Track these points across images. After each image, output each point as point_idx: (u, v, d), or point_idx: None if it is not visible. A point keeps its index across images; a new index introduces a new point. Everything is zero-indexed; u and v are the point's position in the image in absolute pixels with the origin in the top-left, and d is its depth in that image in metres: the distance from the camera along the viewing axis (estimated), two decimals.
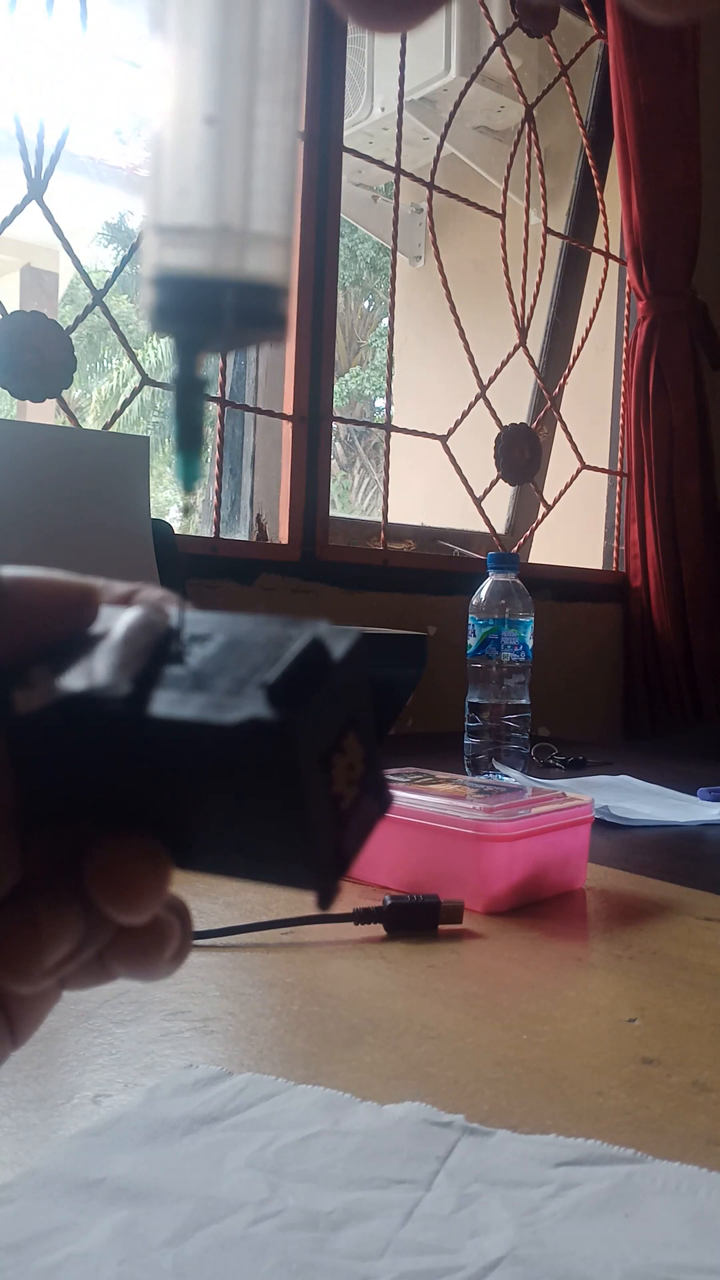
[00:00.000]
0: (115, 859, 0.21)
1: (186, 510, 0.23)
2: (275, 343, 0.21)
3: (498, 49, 1.87)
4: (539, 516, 1.98)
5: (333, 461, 1.72)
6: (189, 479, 0.22)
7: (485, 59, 1.89)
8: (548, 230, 1.97)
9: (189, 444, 0.22)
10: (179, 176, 0.20)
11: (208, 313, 0.20)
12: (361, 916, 0.59)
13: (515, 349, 1.91)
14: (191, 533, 1.51)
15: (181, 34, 0.20)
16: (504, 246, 1.85)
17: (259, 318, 0.21)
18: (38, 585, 0.21)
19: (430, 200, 1.79)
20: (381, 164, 1.77)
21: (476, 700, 1.13)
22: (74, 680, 0.20)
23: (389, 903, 0.60)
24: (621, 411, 2.15)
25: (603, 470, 2.12)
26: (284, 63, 0.21)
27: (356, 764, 0.21)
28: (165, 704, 0.20)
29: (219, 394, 1.53)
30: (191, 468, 0.22)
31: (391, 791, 0.23)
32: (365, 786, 0.21)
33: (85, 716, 0.20)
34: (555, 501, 1.97)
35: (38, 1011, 0.24)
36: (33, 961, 0.21)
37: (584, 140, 2.08)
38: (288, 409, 1.60)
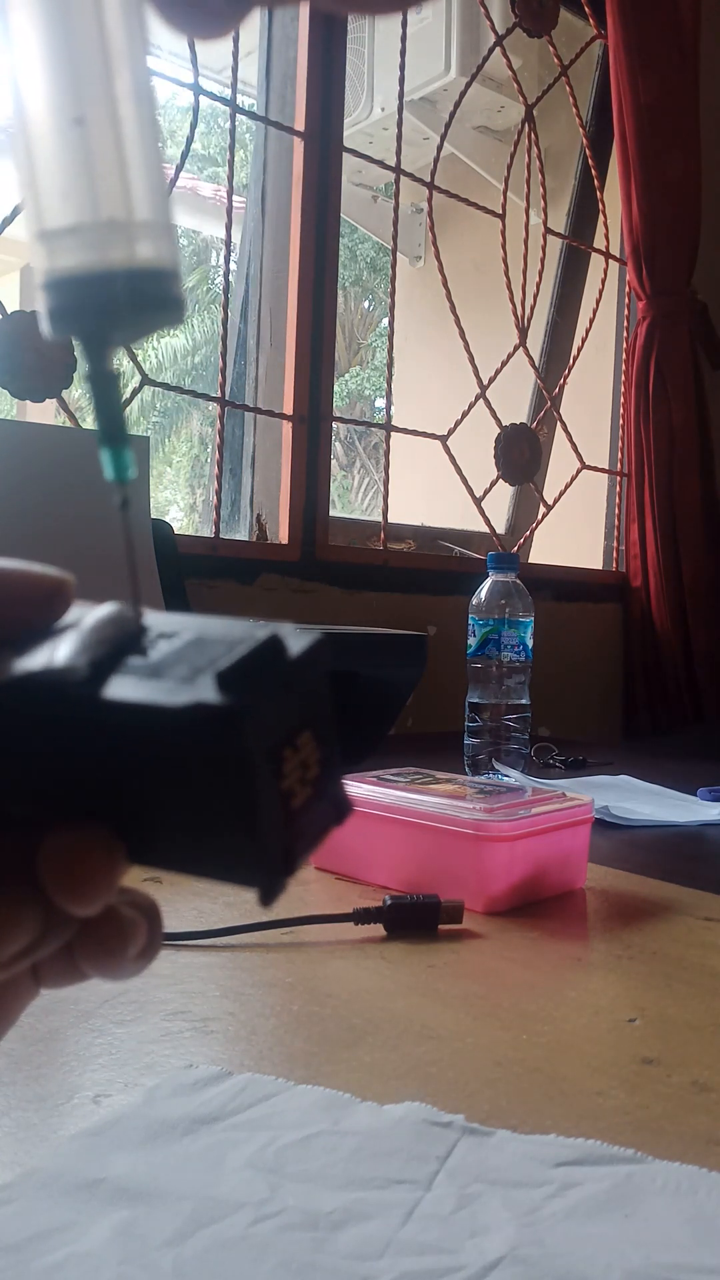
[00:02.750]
0: (66, 847, 0.21)
1: (123, 504, 0.23)
2: (174, 325, 0.22)
3: (498, 49, 1.87)
4: (539, 516, 1.98)
5: (333, 461, 1.72)
6: (120, 472, 0.22)
7: (485, 59, 1.89)
8: (548, 230, 1.97)
9: (113, 438, 0.22)
10: (56, 180, 0.21)
11: (105, 307, 0.21)
12: (361, 916, 0.59)
13: (515, 349, 1.91)
14: (191, 533, 1.51)
15: (28, 39, 0.21)
16: (504, 246, 1.85)
17: (155, 303, 0.21)
18: (9, 575, 0.22)
19: (430, 200, 1.79)
20: (381, 164, 1.77)
21: (476, 700, 1.13)
22: (33, 663, 0.20)
23: (389, 903, 0.60)
24: (621, 411, 2.15)
25: (603, 470, 2.12)
26: (138, 66, 0.21)
27: (311, 764, 0.21)
28: (118, 688, 0.20)
29: (219, 394, 1.53)
30: (120, 460, 0.22)
31: (351, 802, 0.23)
32: (320, 790, 0.21)
33: (42, 699, 0.20)
34: (555, 501, 1.97)
35: (11, 1008, 0.24)
36: None
37: (584, 140, 2.08)
38: (288, 409, 1.60)
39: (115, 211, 0.21)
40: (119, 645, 0.21)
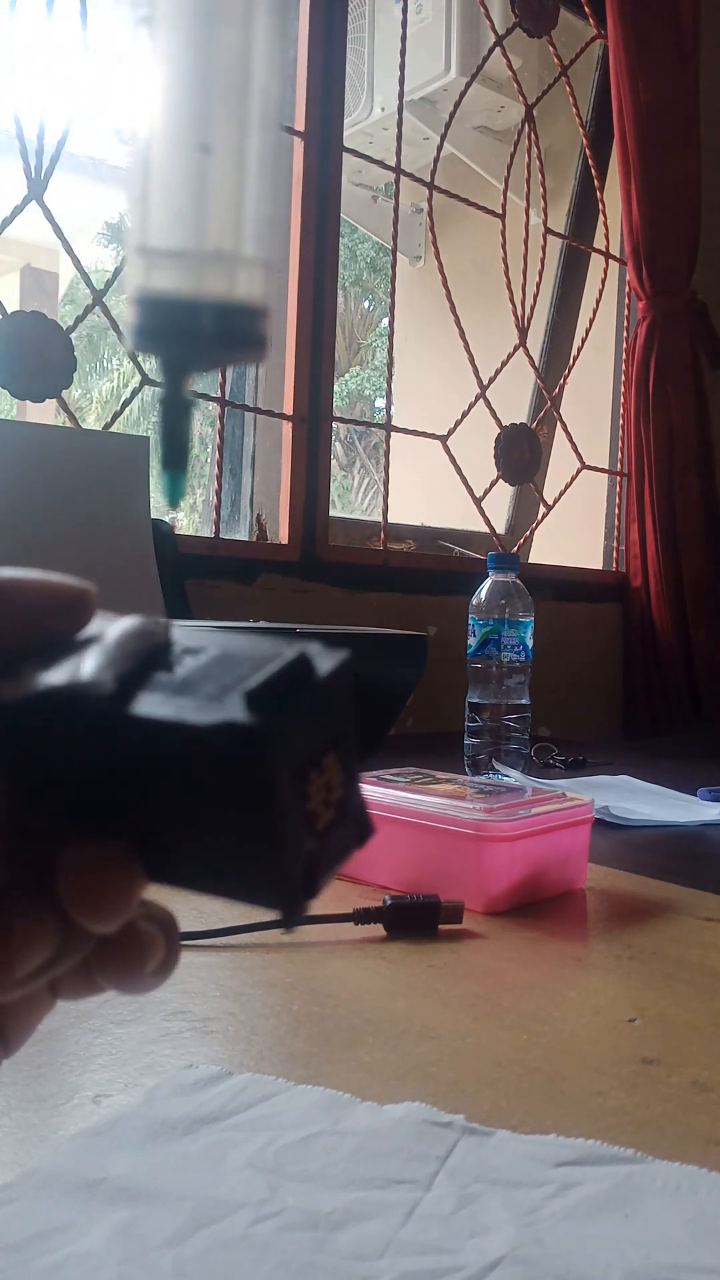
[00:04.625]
0: (86, 865, 0.20)
1: (169, 526, 0.23)
2: (255, 362, 0.22)
3: (498, 49, 1.87)
4: (539, 516, 1.98)
5: (333, 461, 1.72)
6: (174, 495, 0.22)
7: (485, 59, 1.89)
8: (548, 230, 1.97)
9: (176, 463, 0.22)
10: (169, 201, 0.21)
11: (194, 335, 0.21)
12: (361, 916, 0.59)
13: (515, 349, 1.91)
14: (191, 533, 1.51)
15: (169, 56, 0.20)
16: (504, 246, 1.85)
17: (242, 339, 0.21)
18: (33, 586, 0.21)
19: (430, 200, 1.79)
20: (381, 164, 1.77)
21: (476, 700, 1.13)
22: (59, 676, 0.20)
23: (389, 903, 0.60)
24: (621, 411, 2.15)
25: (603, 470, 2.12)
26: (272, 85, 0.21)
27: (334, 786, 0.21)
28: (146, 704, 0.19)
29: (219, 394, 1.53)
30: (177, 485, 0.22)
31: (373, 823, 0.22)
32: (343, 812, 0.21)
33: (67, 713, 0.20)
34: (555, 501, 1.97)
35: (29, 1020, 0.23)
36: (4, 971, 0.21)
37: (584, 140, 2.08)
38: (288, 409, 1.60)
39: (223, 243, 0.21)
40: (145, 660, 0.20)
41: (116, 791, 0.21)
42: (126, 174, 0.21)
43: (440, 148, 1.84)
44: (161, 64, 0.20)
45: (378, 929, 0.60)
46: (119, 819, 0.21)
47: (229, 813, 0.20)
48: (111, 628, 0.21)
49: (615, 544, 2.16)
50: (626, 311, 2.16)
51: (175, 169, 0.20)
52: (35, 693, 0.20)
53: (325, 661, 0.21)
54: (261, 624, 1.17)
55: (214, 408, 1.53)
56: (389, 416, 1.78)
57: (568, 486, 1.98)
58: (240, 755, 0.19)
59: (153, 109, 0.20)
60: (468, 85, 1.92)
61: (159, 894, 0.22)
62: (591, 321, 2.04)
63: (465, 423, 1.81)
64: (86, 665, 0.20)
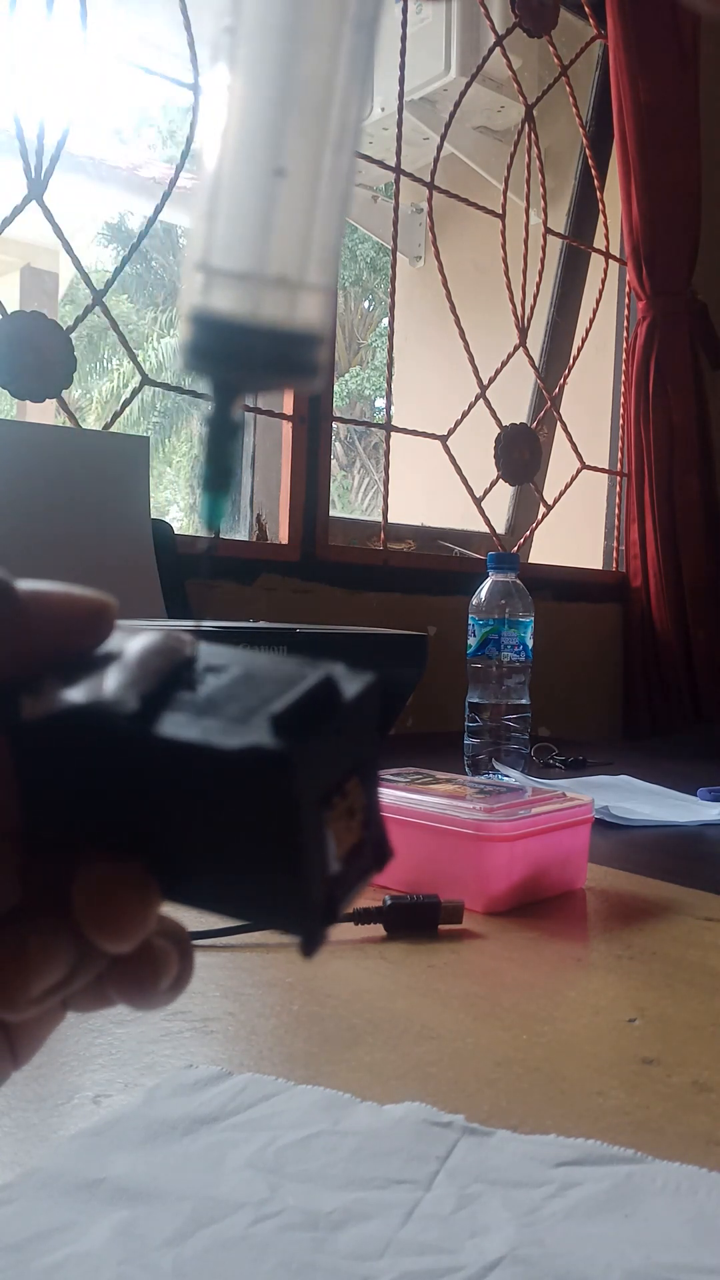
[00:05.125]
0: (102, 884, 0.20)
1: (210, 548, 0.22)
2: (306, 390, 0.22)
3: (498, 49, 1.87)
4: (539, 516, 1.98)
5: (333, 461, 1.72)
6: (214, 518, 0.22)
7: (485, 59, 1.89)
8: (548, 230, 1.97)
9: (219, 485, 0.22)
10: (236, 221, 0.20)
11: (248, 358, 0.20)
12: (361, 916, 0.59)
13: (515, 349, 1.91)
14: (191, 533, 1.51)
15: (249, 73, 0.20)
16: (504, 246, 1.85)
17: (295, 366, 0.21)
18: (55, 599, 0.21)
19: (430, 200, 1.79)
20: (381, 164, 1.77)
21: (476, 700, 1.13)
22: (82, 694, 0.20)
23: (389, 903, 0.60)
24: (621, 411, 2.15)
25: (603, 470, 2.12)
26: (352, 110, 0.20)
27: (357, 810, 0.21)
28: (170, 725, 0.19)
29: None
30: (218, 508, 0.22)
31: (391, 847, 0.22)
32: (364, 837, 0.21)
33: (89, 731, 0.20)
34: (555, 501, 1.97)
35: (39, 1033, 0.23)
36: (20, 990, 0.20)
37: (584, 140, 2.08)
38: (288, 409, 1.60)
39: (287, 269, 0.20)
40: (168, 678, 0.20)
41: (136, 811, 0.20)
42: (193, 189, 0.20)
43: (440, 148, 1.84)
44: (241, 79, 0.20)
45: (378, 929, 0.60)
46: (137, 839, 0.21)
47: (250, 836, 0.19)
48: (132, 643, 0.21)
49: (615, 544, 2.16)
50: (626, 311, 2.16)
51: (247, 189, 0.20)
52: (57, 710, 0.20)
53: (350, 684, 0.20)
54: (262, 624, 1.18)
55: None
56: (389, 416, 1.78)
57: (568, 486, 1.98)
58: (265, 780, 0.19)
59: (229, 125, 0.20)
60: (468, 85, 1.92)
61: (171, 908, 0.22)
62: (591, 321, 2.04)
63: (465, 423, 1.81)
64: (109, 683, 0.20)
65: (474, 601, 1.14)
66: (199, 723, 0.19)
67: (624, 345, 2.15)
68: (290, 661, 0.20)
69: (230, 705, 0.19)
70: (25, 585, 0.21)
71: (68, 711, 0.20)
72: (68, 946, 0.21)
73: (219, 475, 0.22)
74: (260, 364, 0.21)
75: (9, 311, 1.26)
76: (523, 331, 1.91)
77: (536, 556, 2.04)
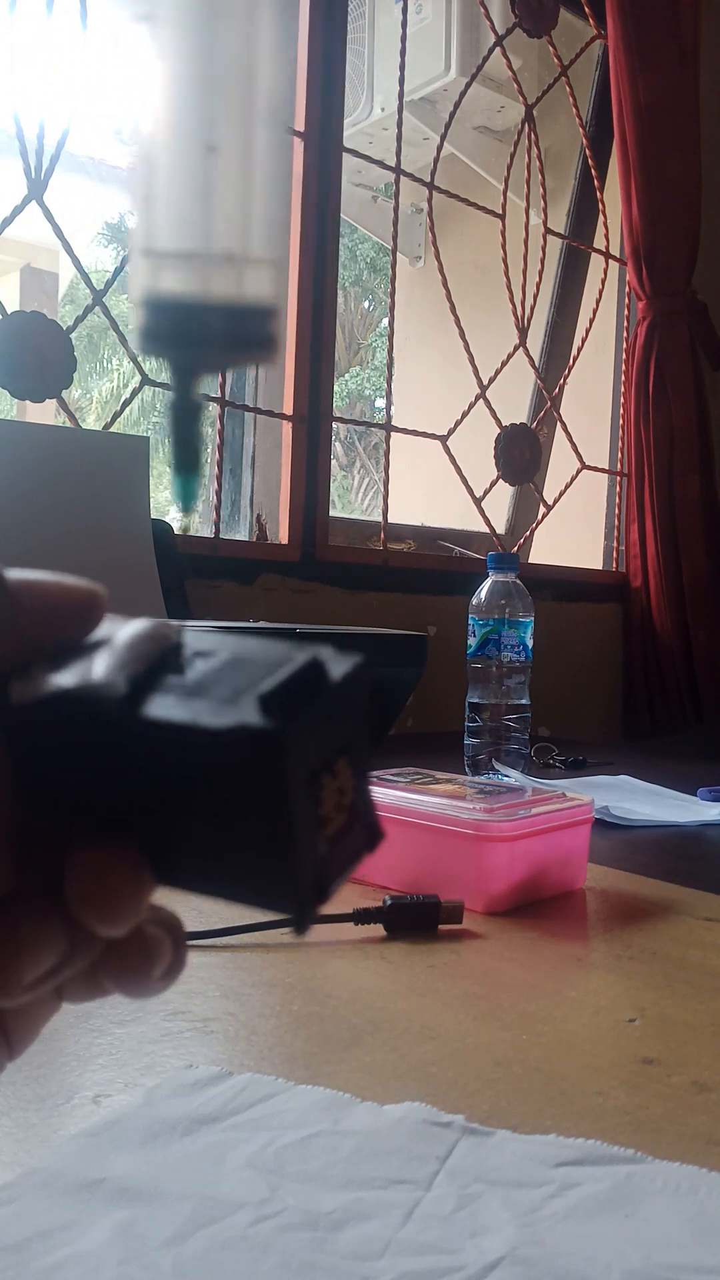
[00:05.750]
0: (95, 867, 0.20)
1: (185, 529, 0.23)
2: (265, 363, 0.22)
3: (498, 49, 1.87)
4: (539, 516, 1.98)
5: (333, 461, 1.72)
6: (187, 499, 0.22)
7: (485, 59, 1.89)
8: (548, 230, 1.97)
9: (187, 466, 0.22)
10: (175, 202, 0.20)
11: (202, 337, 0.21)
12: (361, 916, 0.59)
13: (515, 349, 1.91)
14: (191, 533, 1.50)
15: (171, 54, 0.20)
16: (504, 246, 1.85)
17: (251, 340, 0.21)
18: (44, 588, 0.21)
19: (430, 200, 1.79)
20: (381, 164, 1.77)
21: (476, 700, 1.13)
22: (71, 679, 0.20)
23: (389, 903, 0.60)
24: (621, 411, 2.15)
25: (603, 470, 2.12)
26: (278, 83, 0.21)
27: (347, 790, 0.21)
28: (158, 707, 0.19)
29: (219, 394, 1.53)
30: (190, 488, 0.22)
31: (383, 828, 0.22)
32: (354, 816, 0.21)
33: (79, 716, 0.20)
34: (555, 501, 1.97)
35: (34, 1023, 0.23)
36: (13, 976, 0.20)
37: (584, 140, 2.08)
38: (288, 409, 1.60)
39: (230, 243, 0.20)
40: (156, 662, 0.20)
41: (126, 794, 0.21)
42: (130, 175, 0.21)
43: (440, 148, 1.84)
44: (163, 62, 0.20)
45: (378, 929, 0.60)
46: (129, 822, 0.21)
47: (240, 816, 0.20)
48: (121, 630, 0.21)
49: (615, 544, 2.16)
50: (626, 312, 2.16)
51: (180, 169, 0.20)
52: (47, 695, 0.20)
53: (338, 665, 0.20)
54: (262, 624, 1.18)
55: (214, 408, 1.53)
56: (389, 416, 1.78)
57: (568, 486, 1.98)
58: (254, 759, 0.19)
59: (156, 109, 0.20)
60: (468, 85, 1.92)
61: (166, 898, 0.22)
62: (591, 321, 2.04)
63: (465, 423, 1.81)
64: (98, 667, 0.20)
65: (474, 601, 1.14)
66: (187, 704, 0.19)
67: (624, 345, 2.15)
68: (279, 645, 0.21)
69: (219, 687, 0.20)
70: (15, 574, 0.21)
71: (57, 696, 0.20)
72: (61, 932, 0.21)
73: (187, 456, 0.22)
74: (216, 342, 0.21)
75: (9, 311, 1.26)
76: (523, 331, 1.91)
77: (536, 556, 2.04)
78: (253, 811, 0.19)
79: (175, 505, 0.23)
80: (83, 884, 0.20)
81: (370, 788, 0.22)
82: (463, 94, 1.90)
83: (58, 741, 0.20)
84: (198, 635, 0.21)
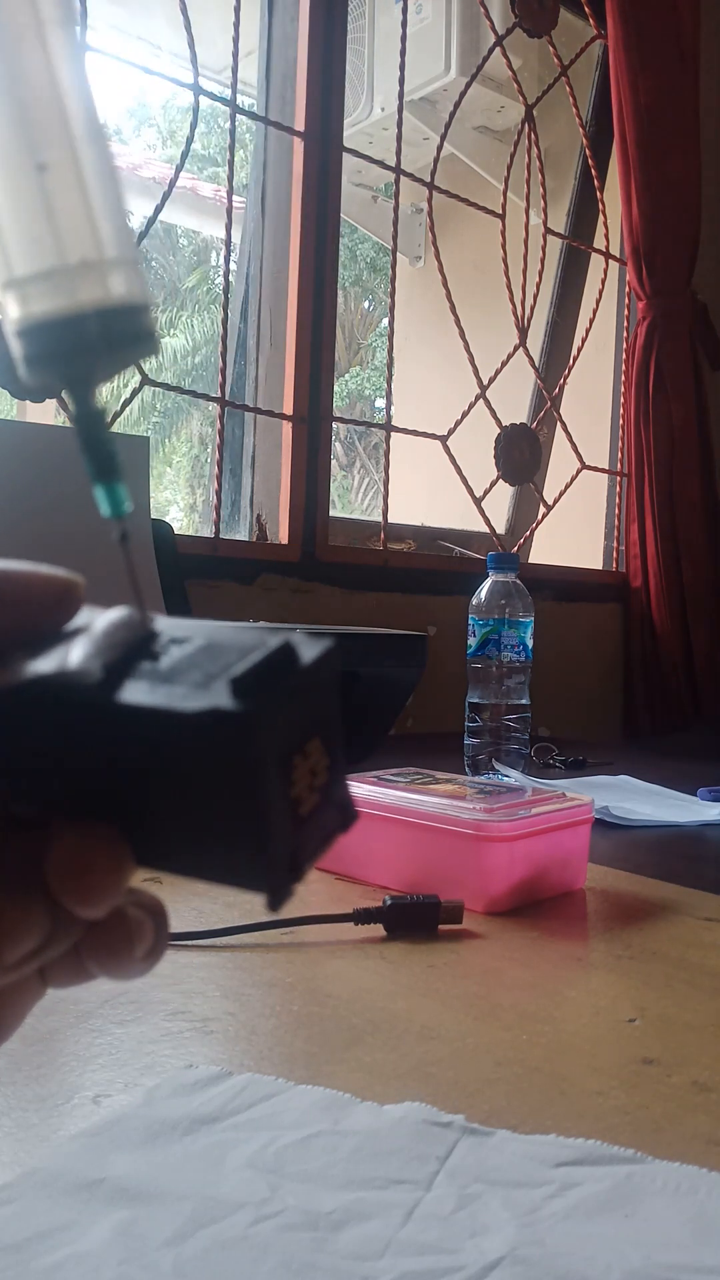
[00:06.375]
0: (74, 850, 0.21)
1: (123, 538, 0.23)
2: (149, 357, 0.22)
3: (498, 49, 1.87)
4: (539, 516, 1.98)
5: (333, 461, 1.72)
6: (117, 506, 0.22)
7: (485, 59, 1.89)
8: (548, 230, 1.97)
9: (106, 474, 0.22)
10: (21, 227, 0.21)
11: (83, 348, 0.21)
12: (361, 916, 0.59)
13: (515, 349, 1.91)
14: (191, 533, 1.51)
15: None
16: (504, 246, 1.85)
17: (131, 338, 0.21)
18: (22, 577, 0.22)
19: (430, 200, 1.79)
20: (381, 164, 1.77)
21: (476, 700, 1.13)
22: (47, 665, 0.21)
23: (389, 903, 0.60)
24: (621, 411, 2.15)
25: (603, 470, 2.12)
26: (86, 99, 0.21)
27: (320, 771, 0.21)
28: (133, 692, 0.20)
29: (219, 394, 1.53)
30: (117, 495, 0.22)
31: (356, 808, 0.23)
32: (327, 796, 0.22)
33: (56, 701, 0.20)
34: (555, 501, 1.97)
35: (18, 1008, 0.24)
36: None
37: (584, 140, 2.08)
38: (288, 409, 1.60)
39: (85, 252, 0.21)
40: (131, 649, 0.21)
41: (104, 778, 0.21)
42: None
43: (440, 148, 1.84)
44: None
45: (378, 929, 0.60)
46: (106, 805, 0.21)
47: (215, 797, 0.20)
48: (98, 619, 0.22)
49: (615, 544, 2.16)
50: (626, 311, 2.16)
51: (19, 193, 0.21)
52: (23, 681, 0.20)
53: (310, 649, 0.21)
54: (261, 624, 1.17)
55: (214, 408, 1.53)
56: (389, 416, 1.78)
57: (568, 486, 1.98)
58: (226, 741, 0.19)
59: None
60: (468, 85, 1.92)
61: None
62: (591, 321, 2.04)
63: (465, 423, 1.81)
64: (74, 654, 0.21)
65: (474, 601, 1.14)
66: (162, 689, 0.20)
67: (624, 345, 2.15)
68: (253, 632, 0.21)
69: (192, 672, 0.20)
70: None
71: (33, 683, 0.20)
72: (41, 914, 0.21)
73: (104, 464, 0.22)
74: (99, 347, 0.21)
75: None
76: (523, 331, 1.91)
77: (536, 556, 2.04)
78: (227, 792, 0.20)
79: (107, 511, 0.23)
80: (63, 865, 0.21)
81: (345, 769, 0.22)
82: (463, 94, 1.89)
83: (36, 727, 0.21)
84: (173, 623, 0.22)
